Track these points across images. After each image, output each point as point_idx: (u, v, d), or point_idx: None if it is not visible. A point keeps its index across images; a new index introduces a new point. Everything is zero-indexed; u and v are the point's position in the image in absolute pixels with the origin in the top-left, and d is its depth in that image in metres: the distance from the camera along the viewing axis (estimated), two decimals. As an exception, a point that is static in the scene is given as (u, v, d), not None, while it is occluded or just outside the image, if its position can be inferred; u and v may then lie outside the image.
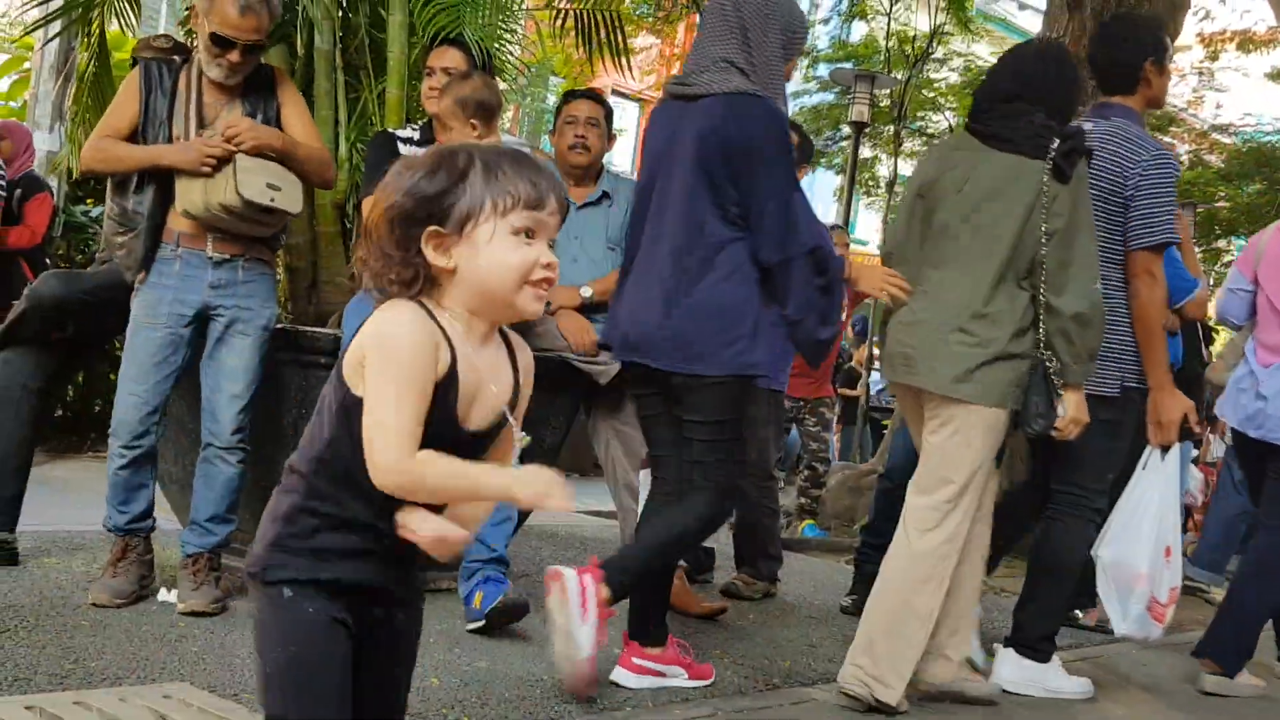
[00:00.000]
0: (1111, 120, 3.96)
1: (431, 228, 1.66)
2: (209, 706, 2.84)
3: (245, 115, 3.86)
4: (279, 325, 4.04)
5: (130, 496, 3.82)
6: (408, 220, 1.67)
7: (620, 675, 3.49)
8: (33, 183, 7.17)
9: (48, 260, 7.30)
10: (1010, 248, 3.50)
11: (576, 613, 3.14)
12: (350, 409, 1.67)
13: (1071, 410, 3.54)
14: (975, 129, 3.70)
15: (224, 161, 3.71)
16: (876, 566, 4.90)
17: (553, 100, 16.73)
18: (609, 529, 6.06)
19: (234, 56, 3.78)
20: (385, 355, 1.64)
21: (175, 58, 3.95)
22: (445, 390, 1.66)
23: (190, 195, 3.75)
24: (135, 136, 3.85)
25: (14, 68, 11.44)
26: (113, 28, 5.78)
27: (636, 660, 3.50)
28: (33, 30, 7.87)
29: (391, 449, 1.61)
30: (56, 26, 6.55)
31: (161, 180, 3.81)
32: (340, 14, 5.00)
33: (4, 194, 6.70)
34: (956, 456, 3.54)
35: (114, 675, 3.05)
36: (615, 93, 17.29)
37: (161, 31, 5.96)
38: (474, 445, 1.74)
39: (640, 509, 3.87)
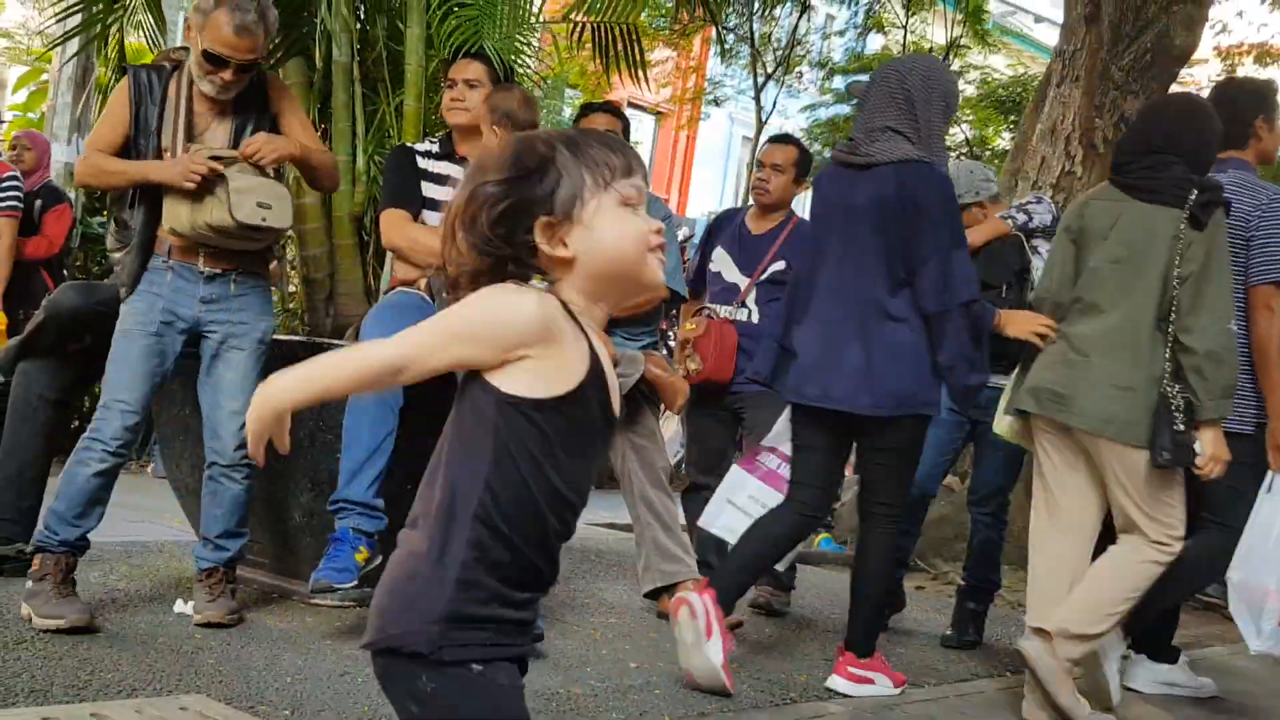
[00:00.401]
0: (1229, 173, 4.14)
1: (542, 219, 1.56)
2: (225, 718, 2.84)
3: (236, 128, 3.79)
4: (297, 338, 4.05)
5: (88, 510, 3.68)
6: (508, 216, 1.56)
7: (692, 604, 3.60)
8: (52, 194, 7.22)
9: (65, 271, 7.34)
10: (1154, 294, 3.64)
11: (873, 690, 3.79)
12: (502, 411, 1.53)
13: (1209, 448, 3.60)
14: (1118, 181, 3.85)
15: (209, 179, 3.61)
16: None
17: (568, 113, 16.78)
18: (624, 541, 6.04)
19: (227, 75, 3.68)
20: (473, 305, 1.53)
21: (165, 64, 3.85)
22: (597, 377, 1.57)
23: (177, 214, 3.67)
24: (128, 147, 3.77)
25: (32, 79, 11.52)
26: (135, 40, 5.80)
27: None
28: (53, 47, 7.91)
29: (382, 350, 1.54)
30: (76, 44, 6.56)
31: (152, 196, 3.73)
32: (358, 26, 5.00)
33: (22, 204, 6.73)
34: (1143, 493, 3.64)
35: (130, 687, 3.05)
36: (631, 105, 17.33)
37: (180, 44, 5.95)
38: (611, 433, 1.65)
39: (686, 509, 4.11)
